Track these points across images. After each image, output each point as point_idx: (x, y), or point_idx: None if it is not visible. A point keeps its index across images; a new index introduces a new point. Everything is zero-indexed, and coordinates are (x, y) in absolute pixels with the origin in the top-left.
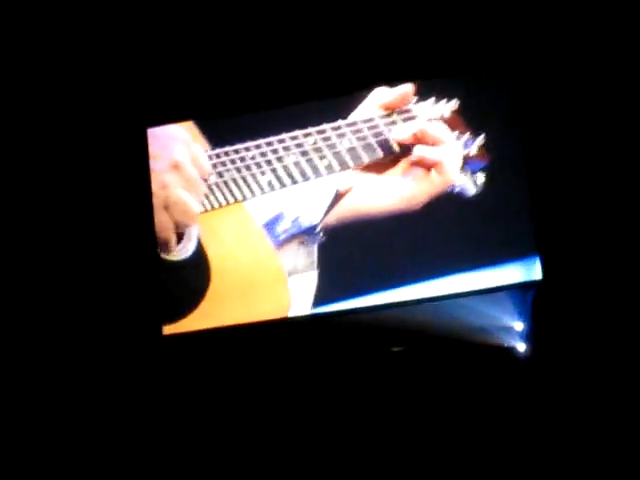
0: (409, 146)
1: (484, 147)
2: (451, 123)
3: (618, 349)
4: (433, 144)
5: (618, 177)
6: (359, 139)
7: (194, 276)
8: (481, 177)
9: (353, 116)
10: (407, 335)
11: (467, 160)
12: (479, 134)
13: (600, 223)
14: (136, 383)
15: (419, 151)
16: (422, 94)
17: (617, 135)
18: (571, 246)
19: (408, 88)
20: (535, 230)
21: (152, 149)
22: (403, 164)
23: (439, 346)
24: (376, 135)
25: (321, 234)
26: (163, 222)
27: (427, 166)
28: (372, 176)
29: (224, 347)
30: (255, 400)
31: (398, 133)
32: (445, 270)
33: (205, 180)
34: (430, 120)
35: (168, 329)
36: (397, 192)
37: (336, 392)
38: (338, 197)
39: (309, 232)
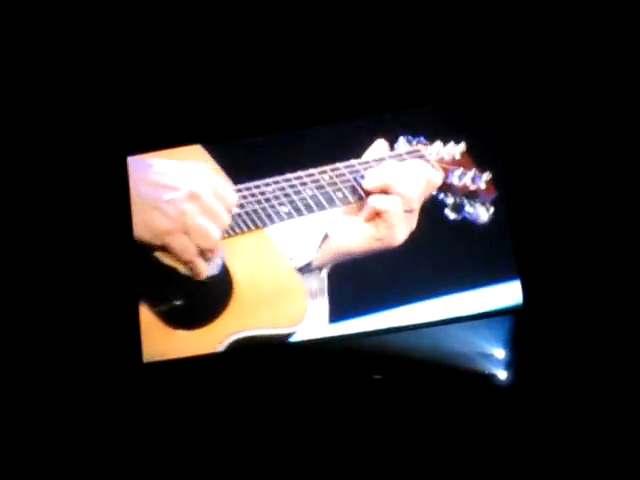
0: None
1: (491, 182)
2: (461, 163)
3: (600, 376)
4: (385, 193)
5: (599, 203)
6: (342, 182)
7: (218, 290)
8: (491, 208)
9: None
10: (387, 362)
11: (478, 192)
12: (485, 170)
13: (582, 249)
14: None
15: (371, 200)
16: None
17: (597, 161)
18: (552, 272)
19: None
20: (516, 255)
21: (164, 179)
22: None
23: (419, 373)
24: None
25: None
26: (184, 245)
27: (378, 213)
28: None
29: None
30: (227, 426)
31: (367, 182)
32: (427, 295)
33: (229, 211)
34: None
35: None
36: (368, 233)
37: (315, 420)
38: (326, 237)
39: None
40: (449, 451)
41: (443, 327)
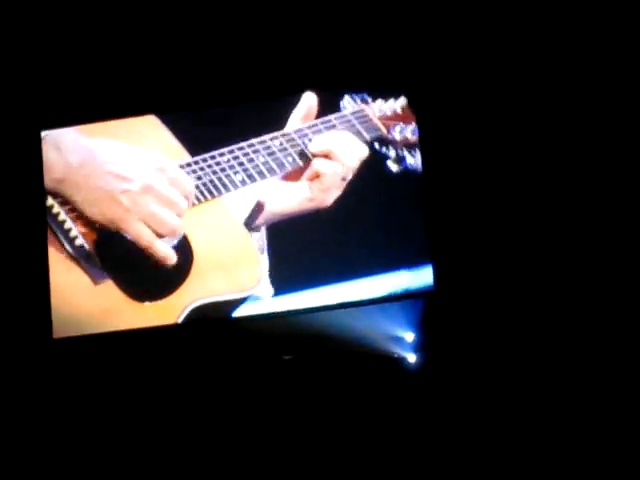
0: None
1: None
2: (401, 117)
3: (508, 360)
4: (328, 158)
5: (513, 186)
6: (292, 146)
7: (179, 259)
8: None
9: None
10: (298, 343)
11: (417, 143)
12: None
13: (493, 234)
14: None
15: (315, 163)
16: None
17: (509, 143)
18: (463, 256)
19: (311, 96)
20: (428, 239)
21: (117, 169)
22: (308, 171)
23: (329, 355)
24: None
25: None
26: (140, 231)
27: (318, 175)
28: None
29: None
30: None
31: (313, 145)
32: (339, 276)
33: (186, 197)
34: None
35: (138, 309)
36: (302, 195)
37: (223, 399)
38: (259, 204)
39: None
40: (356, 433)
41: (355, 310)
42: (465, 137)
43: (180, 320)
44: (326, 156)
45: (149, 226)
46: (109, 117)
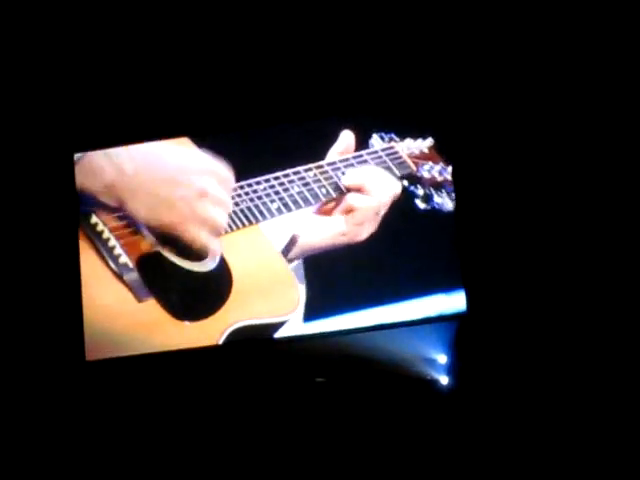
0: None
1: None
2: (428, 157)
3: (539, 384)
4: (361, 192)
5: (545, 213)
6: (326, 179)
7: (218, 283)
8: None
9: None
10: (330, 365)
11: (444, 183)
12: (449, 164)
13: (525, 259)
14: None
15: (349, 197)
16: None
17: (541, 172)
18: (496, 281)
19: (349, 134)
20: (461, 264)
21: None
22: (342, 205)
23: (362, 377)
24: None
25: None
26: (196, 233)
27: (351, 210)
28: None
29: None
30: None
31: (346, 179)
32: (372, 301)
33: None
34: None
35: (179, 329)
36: (336, 229)
37: (256, 422)
38: (294, 237)
39: None
40: (391, 456)
41: (388, 332)
42: (495, 166)
43: (221, 341)
44: (359, 190)
45: (206, 229)
46: (140, 140)
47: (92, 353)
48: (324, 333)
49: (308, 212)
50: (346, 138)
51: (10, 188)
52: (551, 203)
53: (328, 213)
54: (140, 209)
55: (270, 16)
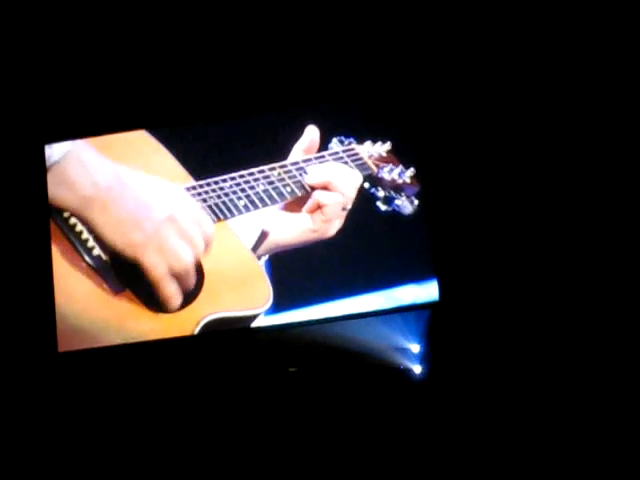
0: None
1: (415, 177)
2: (387, 160)
3: (512, 371)
4: (327, 189)
5: (517, 202)
6: (290, 177)
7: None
8: (415, 201)
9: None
10: (303, 355)
11: (403, 186)
12: (409, 166)
13: (496, 247)
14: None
15: (316, 194)
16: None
17: (512, 162)
18: (467, 269)
19: (314, 130)
20: (433, 253)
21: (143, 195)
22: (309, 203)
23: (335, 366)
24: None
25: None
26: (156, 262)
27: (319, 206)
28: (289, 212)
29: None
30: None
31: (310, 177)
32: (345, 291)
33: (205, 240)
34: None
35: (154, 320)
36: (305, 226)
37: (229, 411)
38: (264, 234)
39: None
40: (362, 444)
41: (360, 321)
42: (463, 152)
43: (196, 332)
44: (325, 187)
45: (165, 260)
46: (108, 131)
47: (64, 344)
48: (296, 323)
49: (275, 210)
50: (310, 133)
51: None
52: (518, 189)
53: (296, 210)
54: (107, 225)
55: (235, 12)
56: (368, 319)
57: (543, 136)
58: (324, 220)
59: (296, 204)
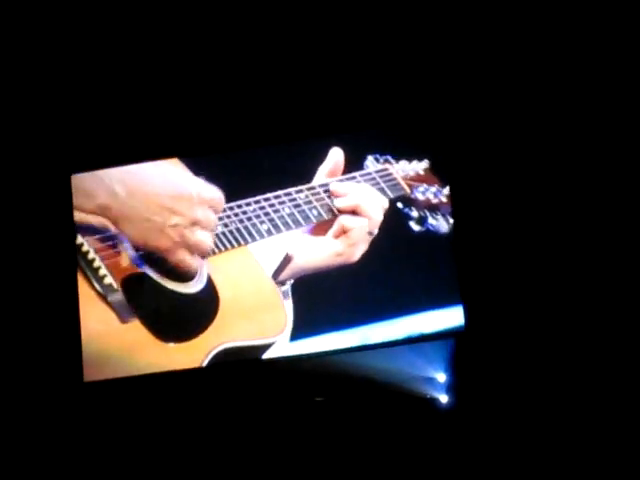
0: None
1: (449, 196)
2: (423, 179)
3: (538, 402)
4: (354, 213)
5: (542, 231)
6: (317, 200)
7: (204, 304)
8: (451, 220)
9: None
10: (329, 384)
11: (440, 205)
12: (445, 186)
13: (522, 277)
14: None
15: (342, 218)
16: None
17: (537, 187)
18: (494, 299)
19: (337, 152)
20: (459, 281)
21: (165, 201)
22: (335, 226)
23: (361, 396)
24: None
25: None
26: (182, 256)
27: (345, 231)
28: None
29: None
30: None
31: (338, 201)
32: (368, 318)
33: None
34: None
35: (163, 350)
36: (330, 250)
37: (255, 441)
38: (287, 258)
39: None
40: (389, 475)
41: (387, 351)
42: (492, 180)
43: (205, 363)
44: (353, 211)
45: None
46: (133, 161)
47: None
48: (317, 353)
49: (300, 233)
50: (334, 156)
51: (8, 208)
52: (547, 219)
53: (322, 234)
54: (131, 232)
55: (263, 37)
56: (394, 348)
57: (582, 159)
58: (350, 244)
59: (321, 228)
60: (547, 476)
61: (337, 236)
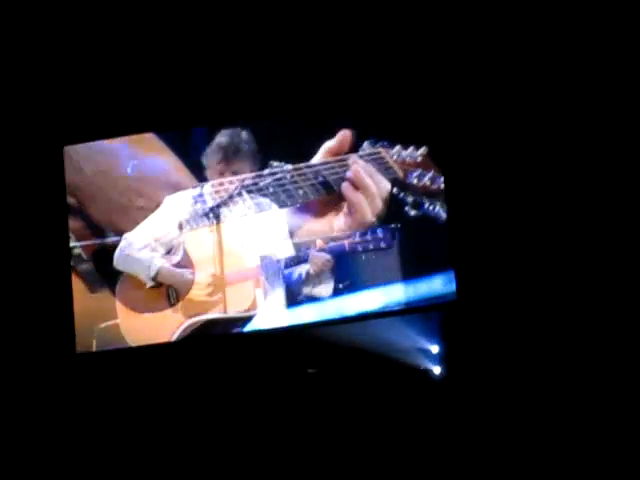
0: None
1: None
2: (419, 164)
3: (529, 373)
4: (357, 188)
5: (534, 203)
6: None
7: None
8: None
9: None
10: (323, 355)
11: (438, 192)
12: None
13: (513, 246)
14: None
15: (345, 190)
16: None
17: (532, 172)
18: (485, 267)
19: (347, 135)
20: (450, 249)
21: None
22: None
23: (354, 368)
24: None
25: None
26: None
27: (350, 205)
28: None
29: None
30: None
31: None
32: (367, 284)
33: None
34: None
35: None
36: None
37: (249, 412)
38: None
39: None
40: (384, 446)
41: (381, 321)
42: (486, 157)
43: (176, 336)
44: (355, 186)
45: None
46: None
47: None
48: (316, 322)
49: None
50: (342, 137)
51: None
52: (540, 203)
53: (324, 208)
54: (95, 212)
55: (268, 18)
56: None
57: (574, 148)
58: (353, 217)
59: (324, 203)
60: (536, 447)
61: (340, 209)
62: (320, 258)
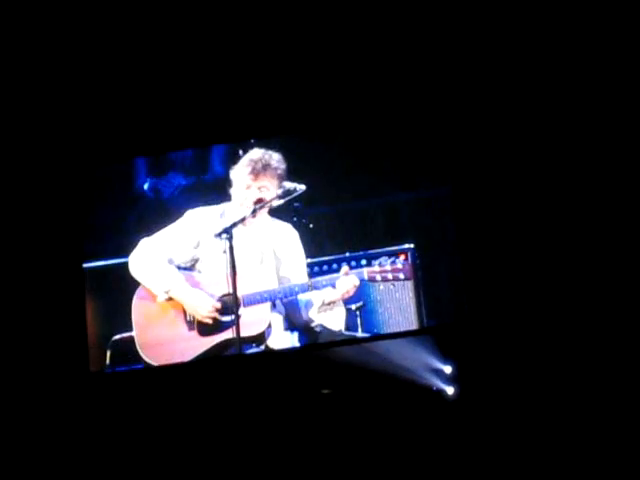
0: None
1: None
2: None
3: (544, 396)
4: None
5: (543, 223)
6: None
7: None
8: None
9: None
10: (337, 376)
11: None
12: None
13: (525, 267)
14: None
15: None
16: None
17: (531, 183)
18: (497, 287)
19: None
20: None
21: None
22: None
23: (368, 388)
24: None
25: None
26: None
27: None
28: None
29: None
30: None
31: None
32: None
33: None
34: None
35: None
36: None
37: (263, 432)
38: None
39: None
40: (397, 466)
41: (395, 342)
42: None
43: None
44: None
45: None
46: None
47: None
48: (322, 344)
49: None
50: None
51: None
52: (548, 225)
53: None
54: None
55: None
56: (401, 340)
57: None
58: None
59: None
60: (550, 467)
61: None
62: (349, 282)
